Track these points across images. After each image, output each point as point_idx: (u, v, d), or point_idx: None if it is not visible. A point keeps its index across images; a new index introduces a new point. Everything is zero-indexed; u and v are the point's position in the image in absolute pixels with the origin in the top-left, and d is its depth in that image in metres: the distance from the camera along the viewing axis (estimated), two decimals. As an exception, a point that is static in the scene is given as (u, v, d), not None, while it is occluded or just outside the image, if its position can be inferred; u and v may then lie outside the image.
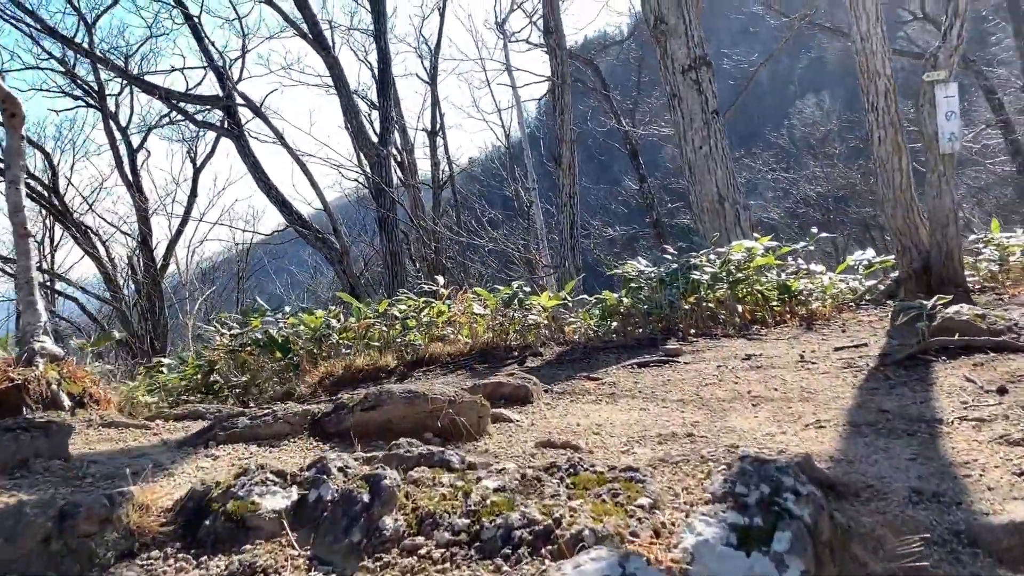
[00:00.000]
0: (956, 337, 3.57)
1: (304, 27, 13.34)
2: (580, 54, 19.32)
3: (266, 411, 2.51)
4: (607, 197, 26.23)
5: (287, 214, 13.29)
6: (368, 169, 13.09)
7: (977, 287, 6.49)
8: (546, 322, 5.79)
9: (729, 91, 16.77)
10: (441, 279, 6.37)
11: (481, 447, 2.33)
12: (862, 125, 30.37)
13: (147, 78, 17.22)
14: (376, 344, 5.62)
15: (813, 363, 4.07)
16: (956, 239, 6.51)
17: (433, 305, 5.77)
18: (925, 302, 4.02)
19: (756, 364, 4.17)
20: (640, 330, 5.86)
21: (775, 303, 6.12)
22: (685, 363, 4.45)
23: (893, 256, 7.01)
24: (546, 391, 3.76)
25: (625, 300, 6.22)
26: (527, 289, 6.29)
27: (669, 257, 6.26)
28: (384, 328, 5.68)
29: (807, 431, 2.56)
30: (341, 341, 5.63)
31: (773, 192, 31.36)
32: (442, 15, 20.20)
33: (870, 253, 7.20)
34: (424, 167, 19.44)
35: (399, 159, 18.17)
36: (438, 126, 19.03)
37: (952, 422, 2.51)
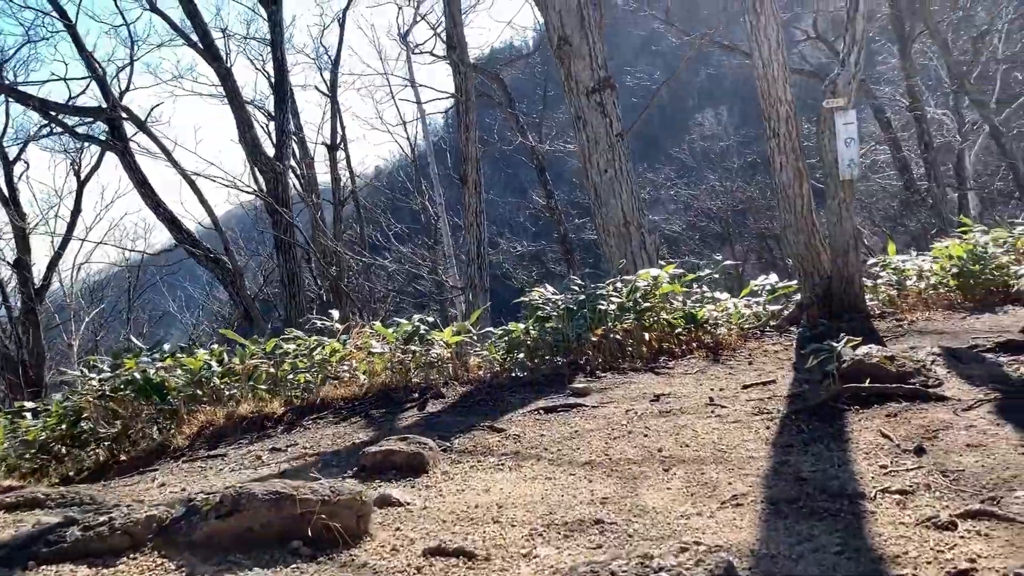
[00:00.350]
0: (867, 384, 3.46)
1: (194, 36, 12.66)
2: (486, 68, 19.15)
3: (103, 519, 2.11)
4: (515, 210, 26.14)
5: (176, 233, 12.56)
6: (264, 185, 12.49)
7: (877, 312, 6.55)
8: (450, 357, 5.49)
9: (632, 108, 16.92)
10: (336, 313, 5.98)
11: (359, 559, 2.02)
12: (759, 140, 31.35)
13: (24, 87, 16.08)
14: (263, 387, 5.20)
15: (723, 407, 3.92)
16: (856, 265, 6.57)
17: (326, 344, 5.39)
18: (834, 343, 3.91)
19: (665, 408, 3.99)
20: (548, 363, 5.63)
21: (682, 332, 6.01)
22: (593, 407, 4.23)
23: (796, 281, 7.03)
24: (445, 450, 3.46)
25: (532, 331, 5.99)
26: (430, 320, 5.98)
27: (576, 288, 6.05)
28: (272, 370, 5.26)
29: (724, 510, 2.36)
30: (224, 385, 5.18)
31: (675, 204, 31.97)
32: (342, 26, 19.64)
33: (773, 278, 7.21)
34: (325, 181, 18.86)
35: (299, 172, 17.56)
36: (339, 140, 18.48)
37: (874, 496, 2.35)
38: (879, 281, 7.18)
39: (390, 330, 5.67)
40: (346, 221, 20.25)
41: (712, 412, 3.83)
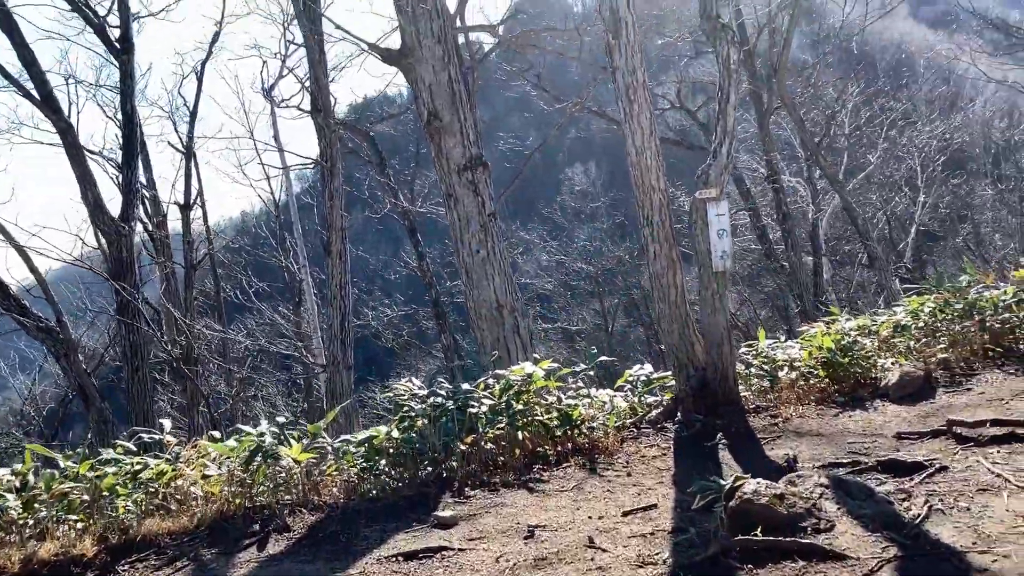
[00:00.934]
0: (759, 535, 3.16)
1: (30, 86, 11.52)
2: (356, 124, 18.62)
3: None
4: (386, 268, 25.48)
5: (2, 299, 11.22)
6: (106, 247, 11.39)
7: (751, 406, 6.42)
8: (299, 475, 4.86)
9: (504, 171, 16.83)
10: (167, 423, 5.23)
11: None
12: (627, 203, 32.18)
13: None
14: (75, 519, 4.40)
15: (604, 550, 3.52)
16: (731, 358, 6.43)
17: (151, 466, 4.65)
18: (721, 480, 3.61)
19: (540, 555, 3.55)
20: (412, 476, 5.11)
21: (557, 434, 5.64)
22: (460, 550, 3.74)
23: (670, 372, 6.84)
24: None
25: (395, 434, 5.46)
26: (281, 420, 5.33)
27: (443, 392, 5.57)
28: (86, 497, 4.47)
29: None
30: (24, 518, 4.35)
31: (547, 261, 32.22)
32: (200, 79, 18.60)
33: (647, 368, 7.00)
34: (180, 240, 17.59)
35: (150, 231, 16.29)
36: (194, 198, 17.27)
37: None
38: (751, 369, 7.09)
39: (231, 442, 4.99)
40: (203, 281, 18.98)
41: (592, 560, 3.42)
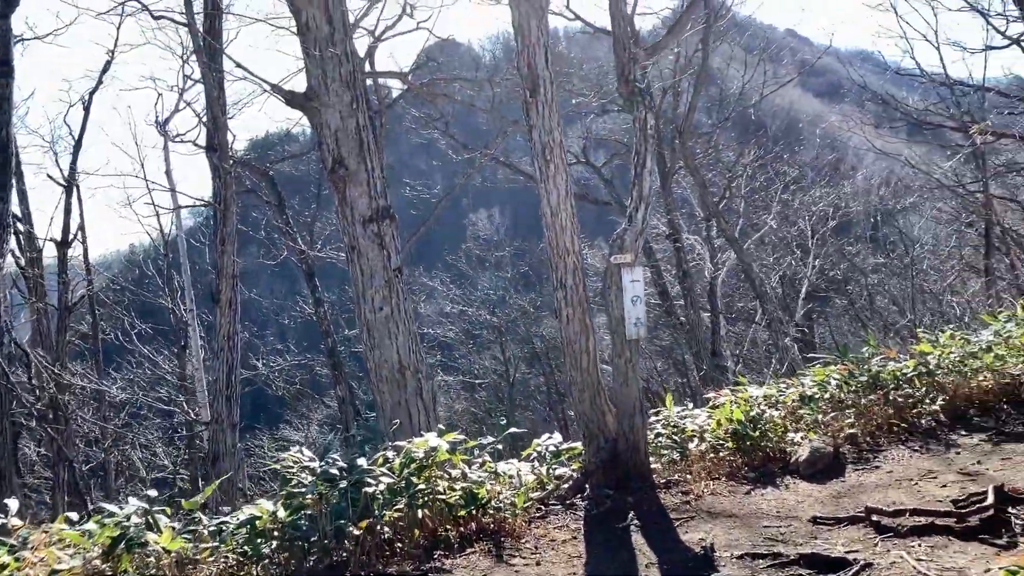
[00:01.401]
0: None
1: None
2: (254, 163, 17.89)
3: None
4: (281, 312, 24.46)
5: None
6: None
7: (663, 480, 6.18)
8: (169, 566, 4.27)
9: (410, 219, 16.43)
10: (14, 503, 4.52)
11: None
12: (531, 251, 32.30)
13: None
14: None
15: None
16: (642, 430, 6.20)
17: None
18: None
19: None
20: (298, 566, 4.59)
21: (462, 514, 5.22)
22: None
23: (580, 443, 6.55)
24: None
25: (281, 514, 4.91)
26: (145, 510, 4.71)
27: (337, 470, 5.07)
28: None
29: None
30: None
31: (451, 308, 31.80)
32: (87, 109, 17.53)
33: (557, 438, 6.68)
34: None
35: (23, 267, 14.96)
36: (74, 235, 16.05)
37: None
38: (661, 439, 6.87)
39: (91, 525, 4.35)
40: (81, 320, 17.59)
41: None
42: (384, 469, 5.10)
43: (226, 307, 9.23)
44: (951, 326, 8.41)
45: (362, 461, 5.09)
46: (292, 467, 5.32)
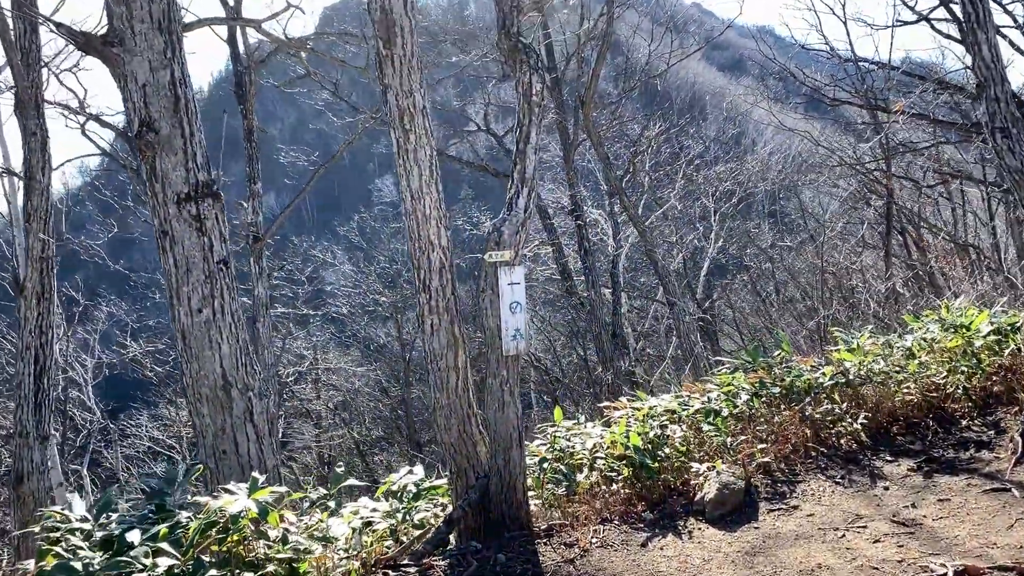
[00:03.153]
0: None
1: None
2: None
3: None
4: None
5: None
6: None
7: (544, 526, 5.08)
8: None
9: (288, 190, 14.79)
10: None
11: None
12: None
13: None
14: None
15: None
16: (520, 466, 5.07)
17: None
18: None
19: None
20: None
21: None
22: None
23: (446, 481, 5.40)
24: None
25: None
26: None
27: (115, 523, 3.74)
28: None
29: None
30: None
31: (344, 281, 30.18)
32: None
33: (419, 472, 5.49)
34: None
35: None
36: None
37: None
38: (545, 465, 5.78)
39: None
40: None
41: None
42: (166, 545, 3.78)
43: (33, 297, 7.60)
44: (869, 327, 7.59)
45: (134, 535, 3.76)
46: (60, 525, 4.00)
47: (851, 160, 20.27)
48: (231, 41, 14.54)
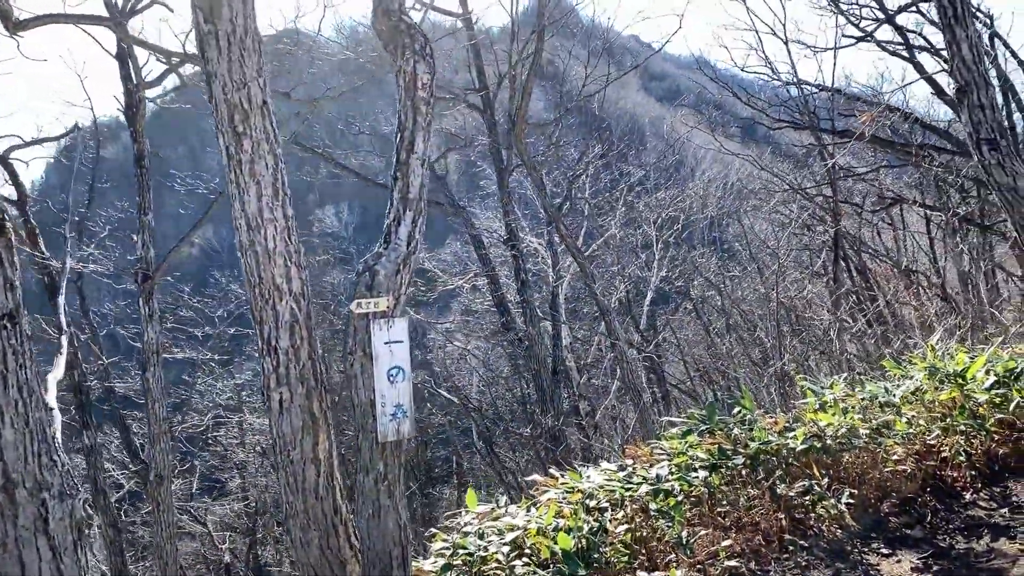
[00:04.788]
0: None
1: None
2: None
3: None
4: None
5: None
6: None
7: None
8: None
9: (185, 220, 13.21)
10: None
11: None
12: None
13: None
14: None
15: None
16: (405, 594, 3.70)
17: None
18: None
19: None
20: None
21: None
22: None
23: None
24: None
25: None
26: None
27: None
28: None
29: None
30: None
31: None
32: None
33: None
34: None
35: None
36: None
37: None
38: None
39: None
40: None
41: None
42: None
43: None
44: (843, 376, 6.42)
45: None
46: None
47: (796, 186, 19.55)
48: (120, 57, 13.04)
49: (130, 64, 12.96)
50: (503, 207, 16.72)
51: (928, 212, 21.35)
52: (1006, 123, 6.21)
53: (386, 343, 3.66)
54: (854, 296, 20.47)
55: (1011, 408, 5.37)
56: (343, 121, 22.74)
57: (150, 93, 13.89)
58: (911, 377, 6.01)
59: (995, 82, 15.30)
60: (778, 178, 18.63)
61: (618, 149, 25.91)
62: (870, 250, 22.93)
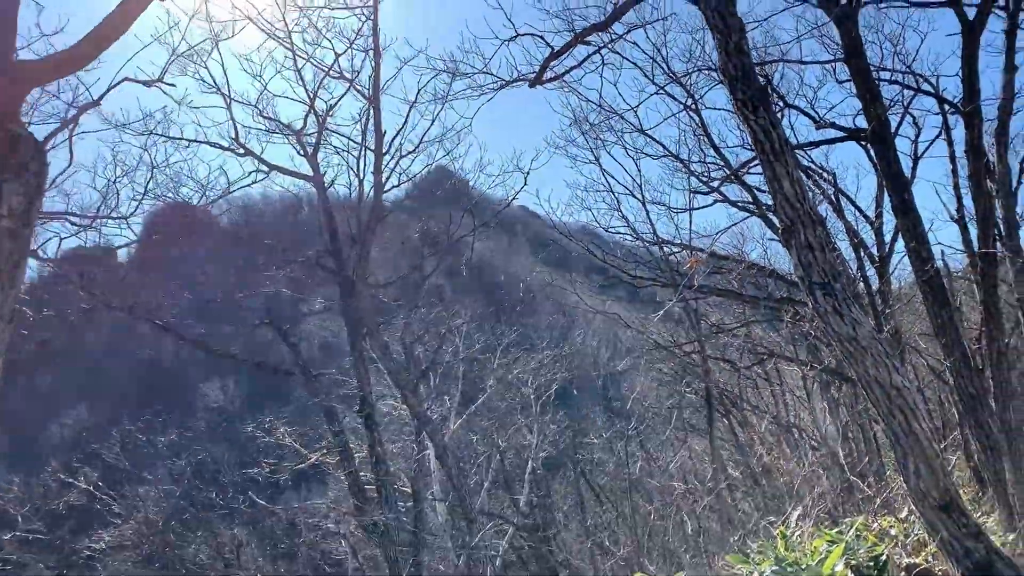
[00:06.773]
0: None
1: None
2: None
3: None
4: None
5: None
6: None
7: None
8: None
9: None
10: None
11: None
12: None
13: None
14: None
15: None
16: None
17: None
18: None
19: None
20: None
21: None
22: None
23: None
24: None
25: None
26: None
27: None
28: None
29: None
30: None
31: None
32: None
33: None
34: None
35: None
36: None
37: None
38: None
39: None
40: None
41: None
42: None
43: None
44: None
45: None
46: None
47: (665, 342, 19.19)
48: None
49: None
50: (356, 377, 15.34)
51: (802, 366, 21.25)
52: (840, 267, 5.48)
53: None
54: (736, 451, 19.81)
55: (874, 613, 4.28)
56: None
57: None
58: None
59: (846, 237, 15.55)
60: (642, 333, 18.13)
61: (506, 312, 25.55)
62: (749, 405, 22.58)
